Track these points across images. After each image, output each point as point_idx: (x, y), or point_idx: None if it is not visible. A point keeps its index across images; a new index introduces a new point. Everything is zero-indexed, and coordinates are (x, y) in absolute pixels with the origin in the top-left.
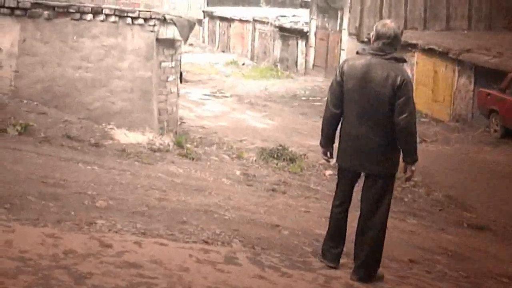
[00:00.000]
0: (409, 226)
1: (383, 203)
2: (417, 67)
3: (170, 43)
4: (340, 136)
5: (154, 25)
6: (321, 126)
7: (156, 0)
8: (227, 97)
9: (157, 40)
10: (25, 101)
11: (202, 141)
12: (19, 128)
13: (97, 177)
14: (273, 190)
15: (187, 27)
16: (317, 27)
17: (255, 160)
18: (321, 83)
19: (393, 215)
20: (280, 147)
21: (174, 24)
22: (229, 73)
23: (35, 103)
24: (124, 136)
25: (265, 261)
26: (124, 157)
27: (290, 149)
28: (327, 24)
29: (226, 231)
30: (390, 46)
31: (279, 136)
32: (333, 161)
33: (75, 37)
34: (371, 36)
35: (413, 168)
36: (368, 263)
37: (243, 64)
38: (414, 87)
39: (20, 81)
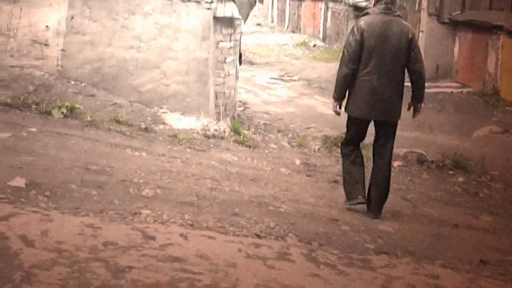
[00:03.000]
0: (483, 224)
1: (392, 145)
2: (502, 51)
3: (228, 22)
4: (354, 89)
5: (211, 2)
6: (336, 82)
7: None
8: (295, 80)
9: (214, 18)
10: (72, 82)
11: (266, 127)
12: (64, 111)
13: (145, 164)
14: (335, 181)
15: (247, 4)
16: None
17: (318, 149)
18: None
19: (466, 211)
20: (344, 135)
21: (233, 1)
22: (299, 55)
23: (83, 84)
24: (177, 121)
25: (321, 258)
26: (175, 143)
27: None
28: (405, 3)
29: (281, 225)
30: (393, 5)
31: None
32: (341, 111)
33: (126, 15)
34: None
35: (422, 106)
36: (384, 198)
37: (314, 45)
38: (499, 73)
39: (68, 61)
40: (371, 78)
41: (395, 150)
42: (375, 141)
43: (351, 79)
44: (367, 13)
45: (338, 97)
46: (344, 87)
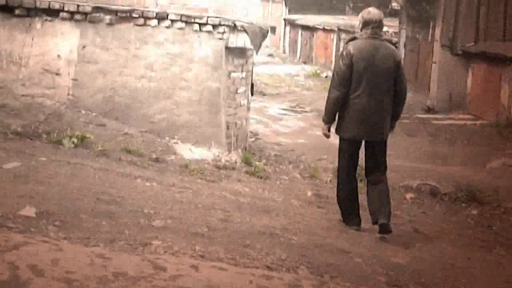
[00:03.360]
0: (496, 258)
1: (385, 161)
2: None
3: (240, 52)
4: (345, 112)
5: (224, 32)
6: (326, 106)
7: (226, 4)
8: (307, 112)
9: (227, 48)
10: (83, 112)
11: (277, 159)
12: (75, 140)
13: (156, 195)
14: None
15: (260, 35)
16: (407, 38)
17: (330, 181)
18: (410, 98)
19: (479, 243)
20: (359, 167)
21: (245, 31)
22: (311, 86)
23: (94, 114)
24: (189, 152)
25: None
26: (186, 174)
27: None
28: (417, 35)
29: (292, 256)
30: (379, 29)
31: (360, 156)
32: (331, 135)
33: (138, 44)
34: (358, 23)
35: (396, 124)
36: (388, 209)
37: (326, 76)
38: None
39: (79, 90)
40: (362, 101)
41: (407, 183)
42: (367, 162)
43: (341, 102)
44: (354, 38)
45: (328, 120)
46: (335, 110)
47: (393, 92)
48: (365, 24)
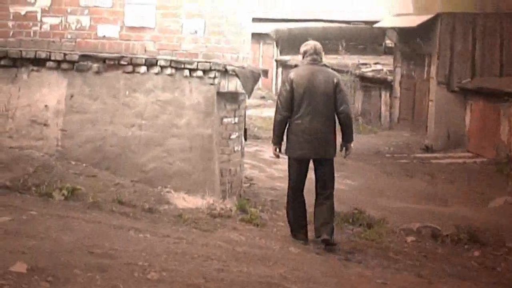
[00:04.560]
0: None
1: (333, 178)
2: None
3: (232, 97)
4: (291, 133)
5: (215, 77)
6: (273, 128)
7: (216, 49)
8: None
9: (218, 94)
10: (73, 163)
11: (273, 204)
12: (65, 193)
13: (150, 246)
14: (346, 259)
15: (251, 78)
16: (402, 76)
17: None
18: (408, 138)
19: (484, 286)
20: (356, 211)
21: (237, 75)
22: None
23: (84, 165)
24: (182, 201)
25: None
26: (180, 224)
27: (367, 213)
28: (413, 72)
29: None
30: (318, 56)
31: (358, 198)
32: (282, 155)
33: (127, 92)
34: (300, 54)
35: (351, 146)
36: (331, 226)
37: None
38: None
39: (68, 140)
40: (303, 121)
41: (408, 225)
42: (316, 180)
43: (284, 125)
44: (296, 65)
45: (276, 141)
46: (280, 132)
47: (335, 113)
48: (304, 53)
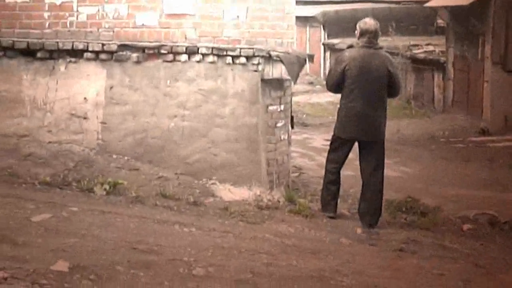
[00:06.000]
0: None
1: (383, 162)
2: None
3: (277, 84)
4: (342, 114)
5: (258, 63)
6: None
7: (259, 34)
8: None
9: (262, 81)
10: (114, 156)
11: None
12: (107, 187)
13: (195, 241)
14: (401, 250)
15: (297, 64)
16: (455, 57)
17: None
18: (463, 121)
19: None
20: (410, 199)
21: (281, 61)
22: None
23: (125, 158)
24: (228, 192)
25: None
26: (226, 217)
27: (422, 201)
28: (466, 53)
29: None
30: (375, 38)
31: (414, 186)
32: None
33: (168, 82)
34: (356, 33)
35: None
36: (378, 211)
37: None
38: None
39: (109, 134)
40: (356, 105)
41: (464, 213)
42: (362, 161)
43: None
44: (351, 46)
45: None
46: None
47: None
48: (362, 33)
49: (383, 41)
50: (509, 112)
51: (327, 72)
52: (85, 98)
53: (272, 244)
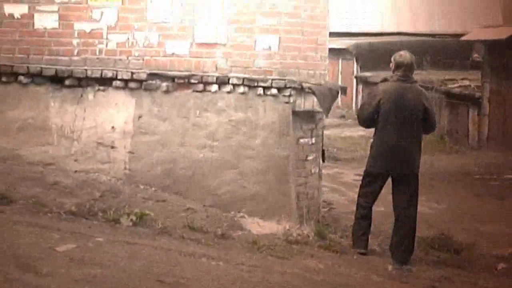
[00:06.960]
0: None
1: (417, 197)
2: None
3: (309, 116)
4: (375, 147)
5: (290, 95)
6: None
7: (291, 65)
8: None
9: (294, 113)
10: (141, 187)
11: None
12: (134, 218)
13: (223, 275)
14: (433, 287)
15: (329, 96)
16: (491, 92)
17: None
18: (498, 158)
19: None
20: (443, 236)
21: (313, 93)
22: None
23: (153, 188)
24: (257, 226)
25: None
26: (255, 251)
27: (455, 238)
28: (503, 88)
29: None
30: (410, 72)
31: (446, 222)
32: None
33: (198, 112)
34: (390, 66)
35: None
36: (411, 248)
37: None
38: None
39: (136, 163)
40: (390, 140)
41: (497, 252)
42: (395, 196)
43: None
44: (386, 79)
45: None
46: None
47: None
48: (397, 66)
49: (417, 75)
50: None
51: (359, 105)
52: (113, 127)
53: (301, 279)
